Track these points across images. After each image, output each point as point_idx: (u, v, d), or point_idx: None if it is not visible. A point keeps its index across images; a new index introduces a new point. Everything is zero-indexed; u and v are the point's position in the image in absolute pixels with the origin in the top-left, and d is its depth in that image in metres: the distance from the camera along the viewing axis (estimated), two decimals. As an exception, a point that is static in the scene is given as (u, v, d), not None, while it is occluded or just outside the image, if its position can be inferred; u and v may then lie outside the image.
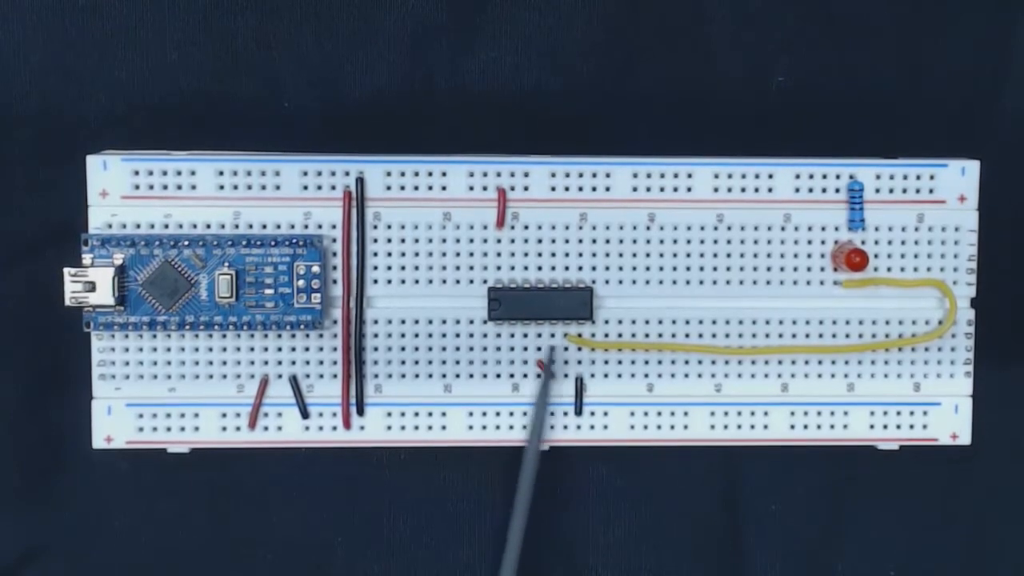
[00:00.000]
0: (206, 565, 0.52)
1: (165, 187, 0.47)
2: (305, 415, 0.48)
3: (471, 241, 0.47)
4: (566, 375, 0.48)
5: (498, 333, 0.48)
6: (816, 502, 0.53)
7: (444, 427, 0.48)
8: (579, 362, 0.48)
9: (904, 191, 0.48)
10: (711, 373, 0.48)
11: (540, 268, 0.48)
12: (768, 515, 0.53)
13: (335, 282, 0.47)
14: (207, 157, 0.47)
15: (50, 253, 0.50)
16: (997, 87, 0.53)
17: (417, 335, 0.48)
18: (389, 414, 0.48)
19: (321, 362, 0.48)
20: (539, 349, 0.48)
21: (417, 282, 0.47)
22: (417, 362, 0.48)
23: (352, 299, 0.47)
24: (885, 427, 0.49)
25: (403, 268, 0.47)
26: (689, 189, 0.48)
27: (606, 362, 0.48)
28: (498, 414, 0.48)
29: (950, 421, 0.49)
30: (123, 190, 0.47)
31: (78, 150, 0.47)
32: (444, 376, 0.48)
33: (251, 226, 0.47)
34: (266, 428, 0.48)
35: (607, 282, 0.48)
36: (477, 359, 0.48)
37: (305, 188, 0.47)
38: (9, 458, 0.51)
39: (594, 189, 0.48)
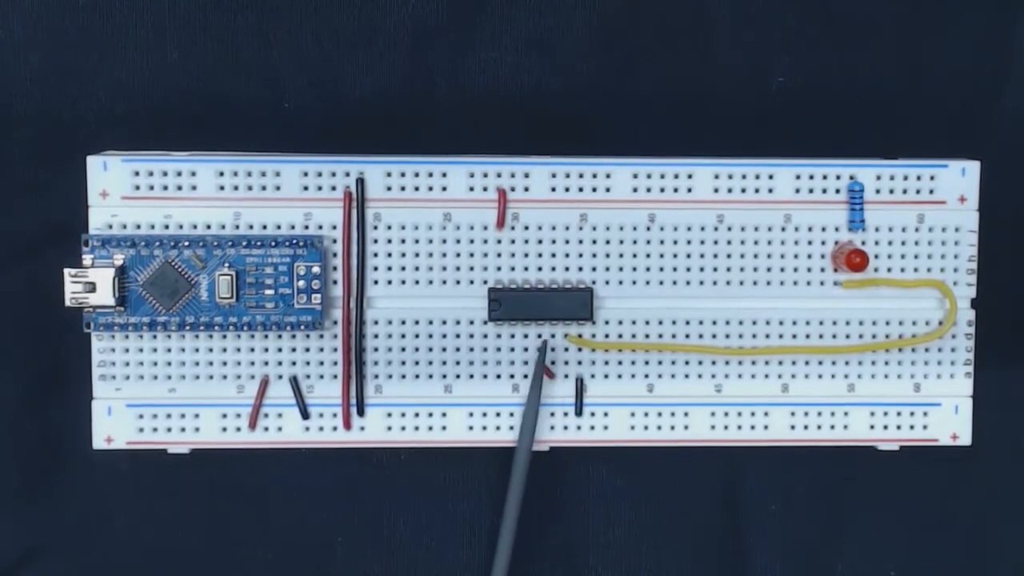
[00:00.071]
0: (206, 565, 0.52)
1: (165, 188, 0.47)
2: (305, 415, 0.48)
3: (471, 242, 0.47)
4: (566, 375, 0.48)
5: (498, 334, 0.48)
6: (816, 502, 0.53)
7: (444, 427, 0.48)
8: (579, 363, 0.48)
9: (904, 192, 0.48)
10: (711, 373, 0.48)
11: (540, 269, 0.48)
12: (768, 515, 0.53)
13: (335, 283, 0.47)
14: (207, 158, 0.47)
15: (50, 253, 0.50)
16: (997, 87, 0.53)
17: (417, 335, 0.48)
18: (389, 414, 0.48)
19: (321, 363, 0.48)
20: (539, 349, 0.48)
21: (417, 283, 0.47)
22: (417, 362, 0.48)
23: (352, 300, 0.47)
24: (885, 428, 0.49)
25: (403, 269, 0.47)
26: (689, 190, 0.48)
27: (606, 362, 0.48)
28: (498, 414, 0.48)
29: (950, 421, 0.49)
30: (123, 191, 0.47)
31: (78, 150, 0.47)
32: (444, 376, 0.48)
33: (251, 227, 0.47)
34: (266, 428, 0.48)
35: (607, 283, 0.48)
36: (477, 359, 0.48)
37: (305, 189, 0.47)
38: (9, 458, 0.51)
39: (594, 190, 0.48)
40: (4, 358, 0.51)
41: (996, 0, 0.52)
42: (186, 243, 0.46)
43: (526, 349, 0.48)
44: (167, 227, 0.47)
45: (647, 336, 0.48)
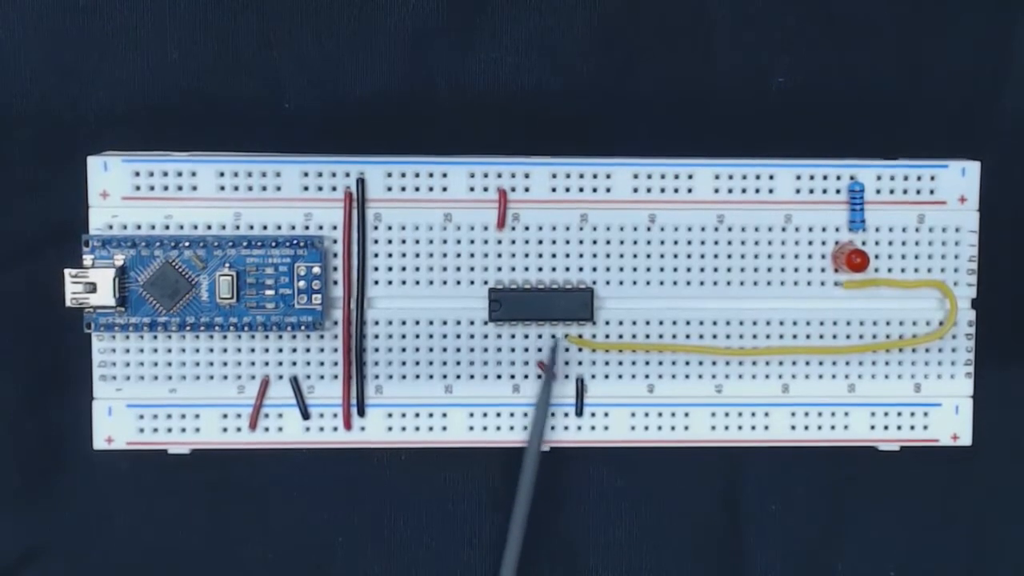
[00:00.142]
0: (206, 565, 0.52)
1: (166, 188, 0.47)
2: (306, 416, 0.48)
3: (472, 242, 0.47)
4: (567, 376, 0.48)
5: (499, 334, 0.48)
6: (816, 502, 0.53)
7: (445, 428, 0.48)
8: (580, 363, 0.48)
9: (904, 192, 0.48)
10: (712, 374, 0.48)
11: (541, 269, 0.48)
12: (768, 515, 0.53)
13: (336, 283, 0.47)
14: (208, 158, 0.47)
15: (50, 253, 0.50)
16: (997, 87, 0.53)
17: (418, 336, 0.48)
18: (390, 415, 0.48)
19: (322, 363, 0.48)
20: (540, 350, 0.48)
21: (418, 283, 0.47)
22: (418, 363, 0.48)
23: (353, 300, 0.47)
24: (886, 428, 0.49)
25: (404, 269, 0.47)
26: (689, 190, 0.48)
27: (607, 363, 0.48)
28: (499, 415, 0.48)
29: (951, 422, 0.49)
30: (124, 191, 0.47)
31: (78, 150, 0.47)
32: (445, 377, 0.48)
33: (252, 227, 0.47)
34: (267, 429, 0.48)
35: (608, 283, 0.48)
36: (478, 360, 0.48)
37: (306, 189, 0.47)
38: (9, 458, 0.51)
39: (594, 190, 0.48)
40: (4, 358, 0.51)
41: (996, 0, 0.52)
42: (186, 243, 0.46)
43: (526, 349, 0.48)
44: (167, 227, 0.47)
45: (647, 336, 0.48)
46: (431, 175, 0.47)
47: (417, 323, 0.48)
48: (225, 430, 0.48)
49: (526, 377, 0.48)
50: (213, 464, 0.50)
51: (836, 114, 0.52)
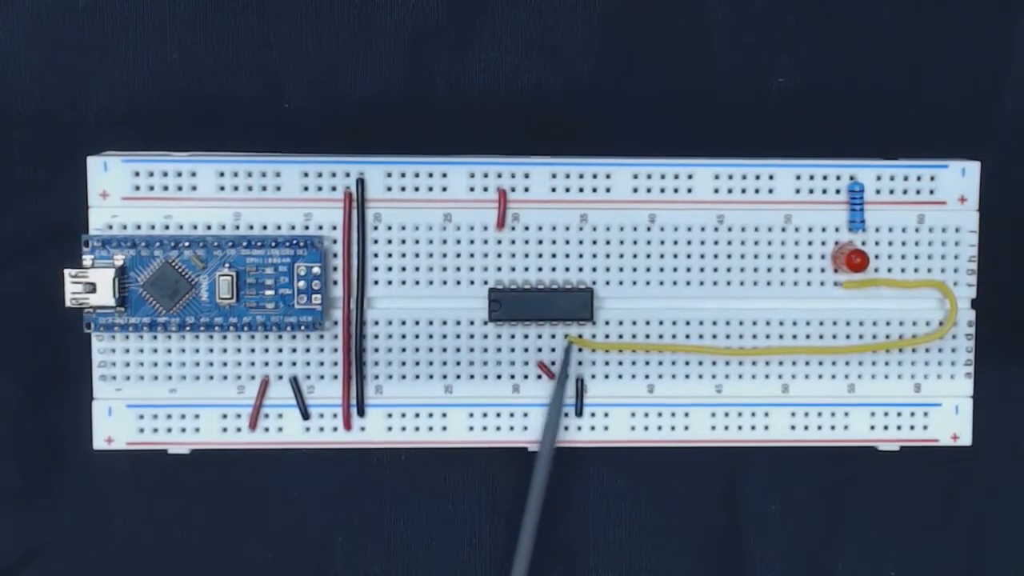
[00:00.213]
0: (206, 565, 0.52)
1: (166, 188, 0.47)
2: (306, 416, 0.48)
3: (471, 242, 0.47)
4: (567, 376, 0.48)
5: (498, 334, 0.48)
6: (816, 502, 0.53)
7: (445, 428, 0.48)
8: (580, 363, 0.48)
9: (904, 192, 0.48)
10: (712, 374, 0.48)
11: (540, 269, 0.48)
12: (768, 515, 0.53)
13: (336, 283, 0.47)
14: (207, 158, 0.47)
15: (50, 253, 0.50)
16: (997, 87, 0.53)
17: (418, 336, 0.48)
18: (390, 415, 0.48)
19: (322, 363, 0.48)
20: (540, 350, 0.48)
21: (418, 283, 0.47)
22: (418, 363, 0.48)
23: (353, 300, 0.47)
24: (886, 428, 0.49)
25: (404, 269, 0.47)
26: (689, 190, 0.48)
27: (607, 363, 0.48)
28: (499, 415, 0.48)
29: (951, 422, 0.49)
30: (124, 191, 0.47)
31: (78, 150, 0.47)
32: (445, 377, 0.48)
33: (251, 227, 0.47)
34: (267, 429, 0.48)
35: (607, 283, 0.48)
36: (478, 360, 0.48)
37: (306, 189, 0.47)
38: (9, 458, 0.51)
39: (594, 190, 0.48)
40: (4, 358, 0.51)
41: (996, 0, 0.52)
42: (186, 243, 0.46)
43: (526, 349, 0.48)
44: (167, 227, 0.47)
45: (647, 336, 0.48)
46: (431, 175, 0.47)
47: (417, 323, 0.48)
48: (225, 430, 0.48)
49: (526, 377, 0.48)
50: (213, 464, 0.50)
51: (836, 114, 0.52)
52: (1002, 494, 0.53)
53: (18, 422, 0.51)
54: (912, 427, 0.49)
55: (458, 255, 0.48)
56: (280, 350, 0.47)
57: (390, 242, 0.47)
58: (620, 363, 0.48)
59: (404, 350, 0.48)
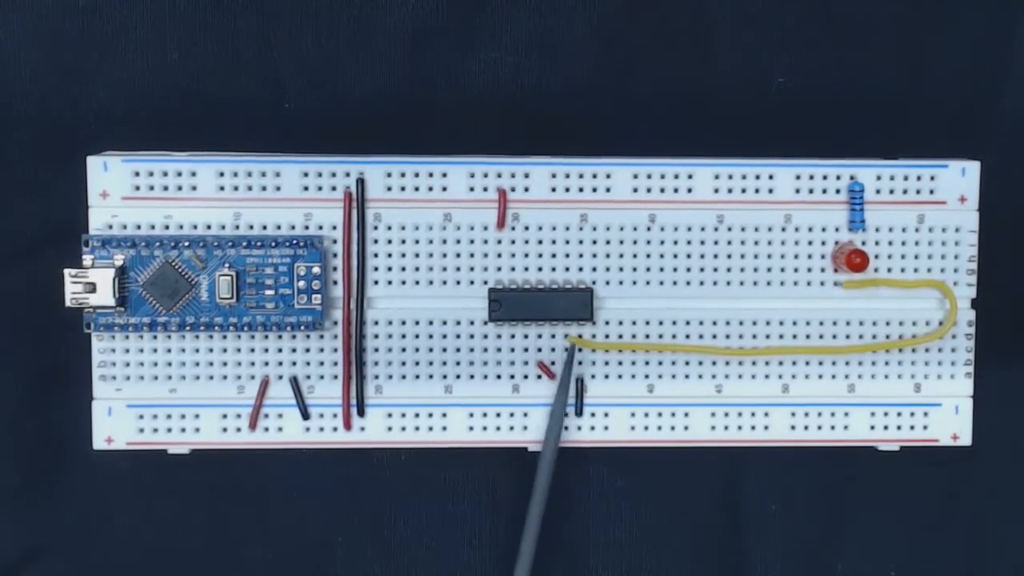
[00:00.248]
0: (206, 565, 0.52)
1: (165, 188, 0.47)
2: (306, 416, 0.48)
3: (471, 242, 0.47)
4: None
5: (498, 334, 0.48)
6: (816, 502, 0.53)
7: (444, 428, 0.48)
8: (579, 363, 0.48)
9: (904, 192, 0.48)
10: (711, 374, 0.48)
11: (540, 269, 0.48)
12: (768, 515, 0.53)
13: (335, 283, 0.47)
14: (207, 158, 0.47)
15: (50, 253, 0.50)
16: (997, 87, 0.53)
17: (417, 336, 0.48)
18: (389, 415, 0.48)
19: (322, 363, 0.48)
20: (539, 350, 0.48)
21: (417, 283, 0.47)
22: (418, 363, 0.48)
23: (352, 300, 0.47)
24: (886, 428, 0.49)
25: (403, 269, 0.47)
26: (689, 190, 0.48)
27: (606, 363, 0.48)
28: (498, 415, 0.48)
29: (951, 422, 0.49)
30: (123, 191, 0.47)
31: (78, 150, 0.47)
32: (445, 377, 0.48)
33: (251, 227, 0.47)
34: (266, 429, 0.48)
35: (607, 283, 0.48)
36: (478, 360, 0.48)
37: (305, 189, 0.47)
38: (9, 458, 0.51)
39: (594, 190, 0.48)
40: (4, 358, 0.51)
41: (996, 0, 0.52)
42: (186, 243, 0.46)
43: (526, 349, 0.48)
44: (167, 227, 0.47)
45: (647, 336, 0.48)
46: (431, 175, 0.47)
47: (417, 323, 0.48)
48: (225, 430, 0.48)
49: (526, 377, 0.48)
50: (213, 464, 0.50)
51: (836, 114, 0.52)
52: (1002, 494, 0.53)
53: (18, 422, 0.51)
54: (912, 427, 0.49)
55: (458, 255, 0.48)
56: (280, 350, 0.47)
57: (390, 242, 0.47)
58: (620, 363, 0.48)
59: (404, 350, 0.48)
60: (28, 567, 0.51)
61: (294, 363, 0.47)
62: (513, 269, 0.48)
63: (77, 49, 0.50)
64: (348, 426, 0.48)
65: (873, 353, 0.48)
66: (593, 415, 0.48)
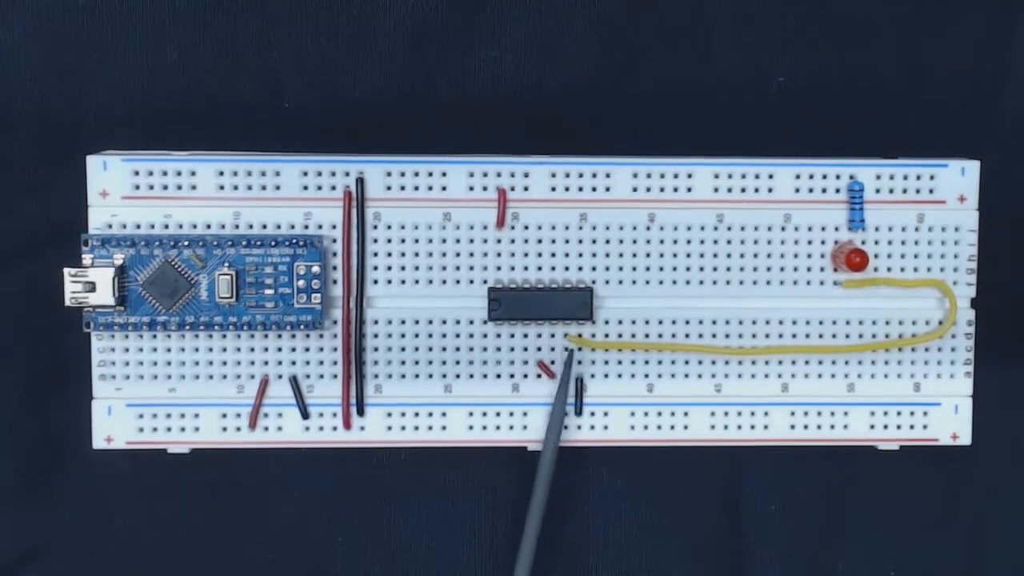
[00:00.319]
0: (206, 565, 0.52)
1: (165, 187, 0.47)
2: (305, 415, 0.48)
3: (471, 241, 0.47)
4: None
5: (498, 333, 0.48)
6: (816, 502, 0.53)
7: (444, 427, 0.48)
8: (579, 362, 0.48)
9: (904, 191, 0.48)
10: (711, 373, 0.48)
11: (540, 268, 0.48)
12: (768, 515, 0.53)
13: (335, 282, 0.47)
14: (207, 157, 0.47)
15: (50, 253, 0.50)
16: (997, 87, 0.53)
17: (417, 335, 0.48)
18: (389, 414, 0.48)
19: (321, 362, 0.48)
20: (539, 349, 0.48)
21: (417, 282, 0.47)
22: (417, 362, 0.48)
23: (352, 299, 0.47)
24: (885, 427, 0.49)
25: (403, 268, 0.47)
26: (689, 189, 0.48)
27: (606, 362, 0.48)
28: (498, 414, 0.48)
29: (950, 421, 0.49)
30: (123, 190, 0.47)
31: (78, 150, 0.47)
32: (444, 376, 0.48)
33: (251, 226, 0.47)
34: (266, 428, 0.48)
35: (607, 282, 0.48)
36: (477, 359, 0.48)
37: (305, 188, 0.47)
38: (9, 458, 0.51)
39: (594, 189, 0.48)
40: (4, 358, 0.51)
41: (996, 0, 0.52)
42: (186, 243, 0.46)
43: (526, 349, 0.48)
44: (167, 227, 0.47)
45: (647, 336, 0.48)
46: (430, 174, 0.47)
47: (416, 322, 0.48)
48: (225, 429, 0.48)
49: (526, 376, 0.48)
50: (213, 464, 0.50)
51: (836, 114, 0.52)
52: (1002, 494, 0.53)
53: (18, 422, 0.51)
54: (912, 426, 0.49)
55: (458, 254, 0.48)
56: (280, 349, 0.47)
57: (390, 241, 0.47)
58: (620, 362, 0.48)
59: (404, 349, 0.48)
60: (28, 567, 0.51)
61: (294, 362, 0.48)
62: (513, 268, 0.48)
63: (77, 49, 0.50)
64: (348, 426, 0.48)
65: (873, 352, 0.48)
66: (593, 415, 0.48)
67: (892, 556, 0.53)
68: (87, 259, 0.46)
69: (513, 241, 0.48)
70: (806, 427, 0.49)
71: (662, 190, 0.48)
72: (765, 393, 0.48)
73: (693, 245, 0.48)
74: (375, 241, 0.47)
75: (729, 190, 0.48)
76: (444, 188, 0.47)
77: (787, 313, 0.48)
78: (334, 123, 0.51)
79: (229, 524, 0.52)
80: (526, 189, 0.47)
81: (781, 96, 0.52)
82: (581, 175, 0.47)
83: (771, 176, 0.48)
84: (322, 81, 0.51)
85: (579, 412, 0.48)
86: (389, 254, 0.47)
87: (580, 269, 0.48)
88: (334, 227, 0.47)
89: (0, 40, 0.50)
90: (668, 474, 0.52)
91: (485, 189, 0.47)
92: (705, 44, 0.52)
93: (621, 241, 0.48)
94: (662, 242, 0.48)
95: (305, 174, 0.47)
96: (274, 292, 0.47)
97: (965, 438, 0.49)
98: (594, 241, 0.48)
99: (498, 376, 0.48)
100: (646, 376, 0.48)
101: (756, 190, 0.48)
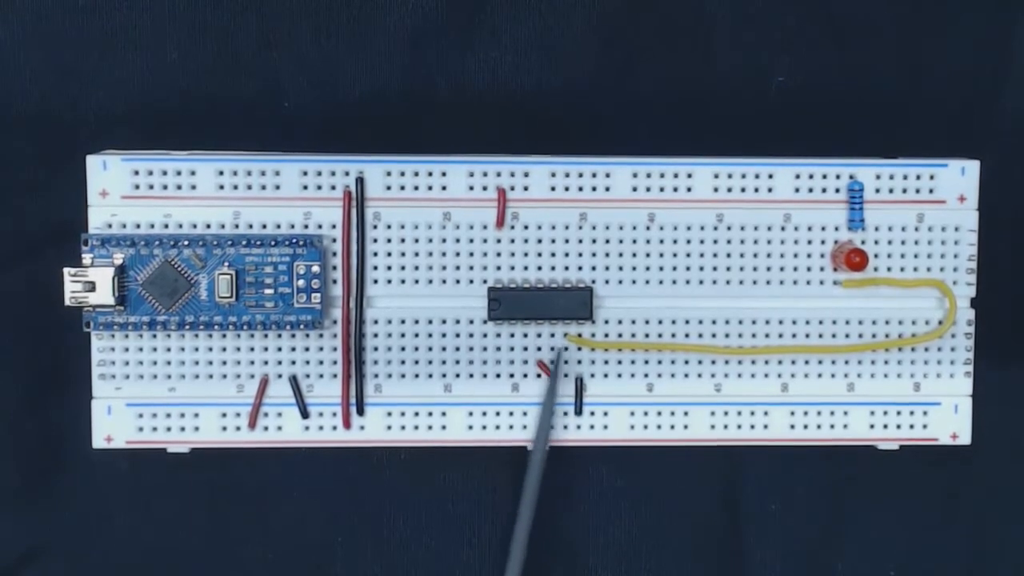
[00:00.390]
0: (206, 565, 0.52)
1: (165, 187, 0.47)
2: (305, 415, 0.48)
3: (471, 241, 0.47)
4: (566, 375, 0.48)
5: (498, 333, 0.48)
6: (816, 502, 0.53)
7: (444, 427, 0.48)
8: (579, 362, 0.48)
9: (904, 191, 0.48)
10: (711, 373, 0.48)
11: (540, 268, 0.48)
12: (768, 515, 0.53)
13: (335, 282, 0.47)
14: (207, 157, 0.47)
15: (50, 253, 0.50)
16: (997, 87, 0.53)
17: (417, 335, 0.48)
18: (389, 414, 0.48)
19: (321, 362, 0.48)
20: (539, 349, 0.48)
21: (417, 282, 0.47)
22: (417, 362, 0.48)
23: (352, 299, 0.47)
24: (885, 427, 0.49)
25: (403, 268, 0.47)
26: (689, 189, 0.48)
27: (606, 362, 0.48)
28: (498, 414, 0.48)
29: (950, 421, 0.49)
30: (123, 190, 0.47)
31: (78, 150, 0.47)
32: (444, 376, 0.48)
33: (251, 226, 0.47)
34: (266, 428, 0.48)
35: (607, 282, 0.48)
36: (477, 359, 0.48)
37: (305, 188, 0.47)
38: (9, 458, 0.51)
39: (594, 189, 0.48)
40: (4, 358, 0.51)
41: (996, 0, 0.52)
42: (186, 242, 0.46)
43: (526, 348, 0.48)
44: (167, 226, 0.47)
45: (647, 336, 0.48)
46: (430, 174, 0.47)
47: (416, 322, 0.48)
48: (224, 429, 0.48)
49: (525, 376, 0.48)
50: (213, 464, 0.50)
51: (836, 114, 0.52)
52: (1002, 494, 0.53)
53: (18, 422, 0.51)
54: (912, 426, 0.49)
55: (457, 254, 0.48)
56: (279, 349, 0.47)
57: (389, 241, 0.47)
58: (619, 362, 0.48)
59: (403, 349, 0.48)
60: (28, 567, 0.51)
61: (293, 362, 0.48)
62: (512, 268, 0.48)
63: (77, 49, 0.50)
64: (347, 425, 0.48)
65: (873, 352, 0.48)
66: (592, 414, 0.48)
67: (892, 556, 0.53)
68: (87, 259, 0.46)
69: (513, 241, 0.48)
70: (806, 427, 0.49)
71: (662, 190, 0.48)
72: (765, 393, 0.48)
73: (693, 245, 0.48)
74: (375, 241, 0.47)
75: (729, 190, 0.48)
76: (444, 188, 0.47)
77: (787, 313, 0.48)
78: (334, 123, 0.51)
79: (229, 524, 0.52)
80: (526, 189, 0.47)
81: (781, 96, 0.52)
82: (581, 175, 0.47)
83: (771, 176, 0.48)
84: (322, 81, 0.51)
85: (579, 412, 0.48)
86: (389, 254, 0.47)
87: (580, 269, 0.48)
88: (334, 227, 0.47)
89: (0, 40, 0.50)
90: (668, 474, 0.52)
91: (485, 189, 0.47)
92: (705, 44, 0.52)
93: (621, 241, 0.48)
94: (662, 242, 0.48)
95: (305, 174, 0.47)
96: (274, 292, 0.47)
97: (965, 438, 0.49)
98: (594, 241, 0.48)
99: (498, 376, 0.48)
100: (646, 376, 0.48)
101: (756, 190, 0.48)
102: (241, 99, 0.51)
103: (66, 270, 0.46)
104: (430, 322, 0.48)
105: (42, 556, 0.52)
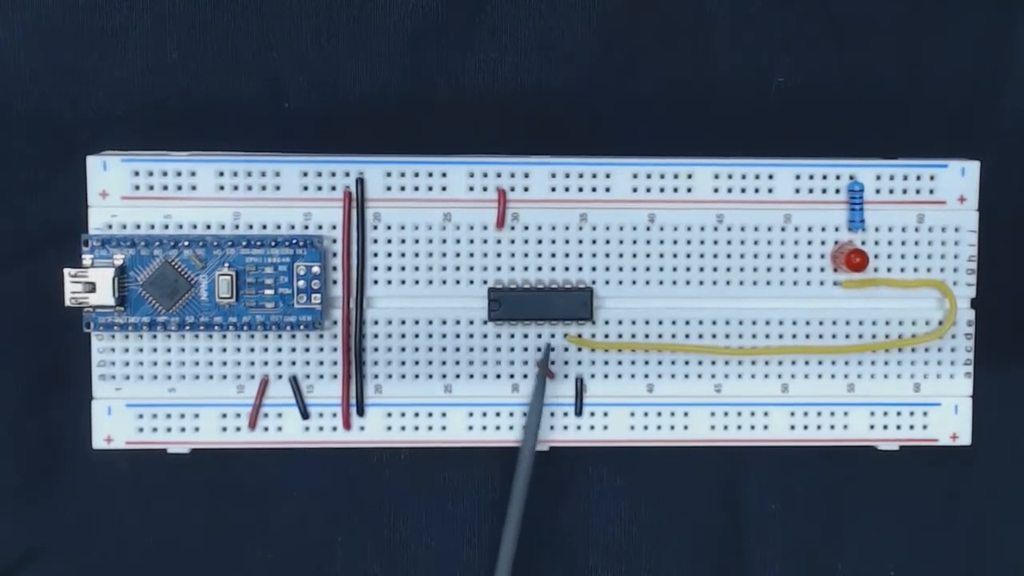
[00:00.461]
0: (206, 565, 0.52)
1: (165, 188, 0.47)
2: (305, 415, 0.48)
3: (471, 241, 0.47)
4: (566, 375, 0.48)
5: (498, 333, 0.48)
6: (816, 502, 0.53)
7: (444, 427, 0.48)
8: (579, 362, 0.48)
9: (904, 191, 0.48)
10: (711, 373, 0.48)
11: (540, 268, 0.48)
12: (768, 515, 0.53)
13: (335, 283, 0.47)
14: (207, 158, 0.47)
15: (50, 253, 0.50)
16: (997, 87, 0.53)
17: (417, 335, 0.48)
18: (389, 414, 0.48)
19: (321, 362, 0.48)
20: (539, 350, 0.48)
21: (417, 283, 0.47)
22: (417, 362, 0.48)
23: (352, 299, 0.47)
24: (885, 427, 0.49)
25: (403, 268, 0.47)
26: (689, 189, 0.48)
27: (606, 362, 0.48)
28: (498, 414, 0.48)
29: (950, 421, 0.49)
30: (123, 191, 0.47)
31: (78, 150, 0.47)
32: (444, 376, 0.48)
33: (251, 227, 0.47)
34: (266, 428, 0.48)
35: (607, 282, 0.48)
36: (477, 359, 0.48)
37: (305, 189, 0.47)
38: (9, 458, 0.51)
39: (594, 189, 0.48)
40: (4, 358, 0.51)
41: (996, 0, 0.52)
42: (186, 243, 0.46)
43: (526, 349, 0.48)
44: (167, 227, 0.47)
45: (647, 336, 0.48)
46: (430, 175, 0.47)
47: (416, 323, 0.48)
48: (225, 430, 0.48)
49: (525, 377, 0.48)
50: (213, 464, 0.50)
51: (836, 114, 0.52)
52: (1002, 494, 0.53)
53: (18, 422, 0.51)
54: (912, 427, 0.49)
55: (458, 255, 0.47)
56: (280, 349, 0.47)
57: (390, 241, 0.47)
58: (620, 363, 0.48)
59: (404, 350, 0.48)
60: (28, 567, 0.51)
61: (293, 363, 0.48)
62: (513, 269, 0.48)
63: (77, 48, 0.50)
64: (348, 426, 0.48)
65: (873, 353, 0.48)
66: (592, 414, 0.48)
67: (892, 556, 0.53)
68: (87, 259, 0.46)
69: (513, 241, 0.48)
70: (806, 427, 0.49)
71: (662, 190, 0.48)
72: (765, 393, 0.48)
73: (693, 245, 0.48)
74: (375, 241, 0.47)
75: (729, 190, 0.48)
76: (444, 188, 0.47)
77: (787, 313, 0.48)
78: (334, 123, 0.51)
79: (229, 524, 0.52)
80: (526, 189, 0.47)
81: (781, 96, 0.52)
82: (581, 175, 0.47)
83: (771, 176, 0.48)
84: (322, 81, 0.51)
85: (579, 412, 0.48)
86: (389, 254, 0.47)
87: (580, 269, 0.48)
88: (334, 227, 0.47)
89: (0, 40, 0.50)
90: (668, 474, 0.52)
91: (485, 189, 0.47)
92: (705, 44, 0.52)
93: (621, 241, 0.48)
94: (662, 242, 0.48)
95: (305, 174, 0.47)
96: (274, 292, 0.47)
97: (965, 438, 0.49)
98: (594, 241, 0.48)
99: (498, 376, 0.48)
100: (646, 376, 0.48)
101: (756, 190, 0.48)
102: (241, 99, 0.51)
103: (66, 271, 0.46)
104: (430, 323, 0.48)
105: (42, 556, 0.52)
